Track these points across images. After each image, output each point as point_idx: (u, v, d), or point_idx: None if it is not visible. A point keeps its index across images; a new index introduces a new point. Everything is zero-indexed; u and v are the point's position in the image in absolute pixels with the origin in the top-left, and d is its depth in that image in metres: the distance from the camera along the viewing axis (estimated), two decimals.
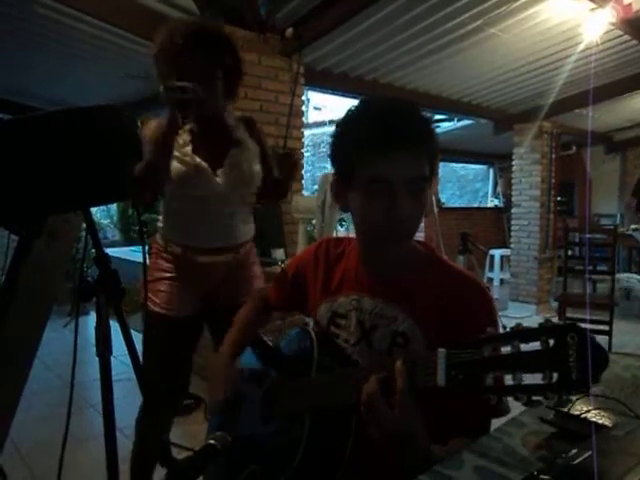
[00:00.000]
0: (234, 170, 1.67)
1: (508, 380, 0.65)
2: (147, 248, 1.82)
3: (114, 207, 7.83)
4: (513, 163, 6.50)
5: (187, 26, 1.59)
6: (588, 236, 4.85)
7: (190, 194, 1.64)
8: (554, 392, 0.61)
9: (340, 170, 1.00)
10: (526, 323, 0.68)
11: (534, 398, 0.63)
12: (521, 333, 0.65)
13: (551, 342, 0.62)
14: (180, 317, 1.70)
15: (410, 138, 0.91)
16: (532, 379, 0.63)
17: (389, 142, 0.90)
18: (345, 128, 0.98)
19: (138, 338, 1.32)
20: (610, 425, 0.83)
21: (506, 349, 0.66)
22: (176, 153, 1.60)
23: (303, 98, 3.76)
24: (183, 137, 1.65)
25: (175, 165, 1.60)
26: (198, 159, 1.63)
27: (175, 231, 1.72)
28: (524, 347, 0.65)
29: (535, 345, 0.63)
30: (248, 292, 1.77)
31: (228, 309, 1.67)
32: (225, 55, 1.66)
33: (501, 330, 0.71)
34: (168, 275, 1.72)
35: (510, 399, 0.67)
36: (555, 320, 0.65)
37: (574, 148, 7.45)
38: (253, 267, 1.86)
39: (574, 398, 0.87)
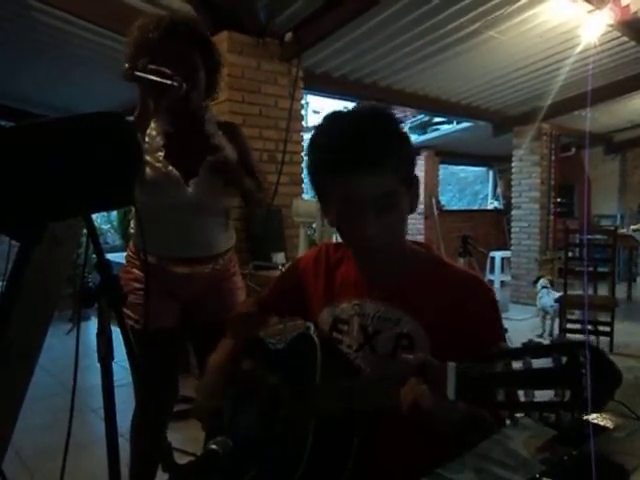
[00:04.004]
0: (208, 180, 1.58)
1: (519, 396, 0.64)
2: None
3: (114, 212, 7.83)
4: (513, 165, 6.51)
5: (159, 20, 1.50)
6: (588, 237, 4.84)
7: (160, 202, 1.55)
8: (567, 410, 0.60)
9: (315, 191, 1.02)
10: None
11: (545, 415, 0.62)
12: (532, 349, 0.64)
13: (563, 359, 0.61)
14: (158, 330, 1.58)
15: (369, 157, 0.90)
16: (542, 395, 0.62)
17: (347, 164, 0.90)
18: (310, 149, 0.99)
19: None
20: (612, 427, 0.83)
21: (517, 365, 0.65)
22: (148, 158, 1.51)
23: (302, 102, 3.77)
24: (156, 140, 1.56)
25: (146, 171, 1.50)
26: (170, 167, 1.54)
27: (148, 240, 1.63)
28: (535, 363, 0.63)
29: (547, 361, 0.62)
30: (232, 306, 1.71)
31: (212, 326, 1.63)
32: (202, 46, 1.57)
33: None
34: (143, 286, 1.60)
35: None
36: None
37: (573, 149, 7.45)
38: (234, 278, 1.78)
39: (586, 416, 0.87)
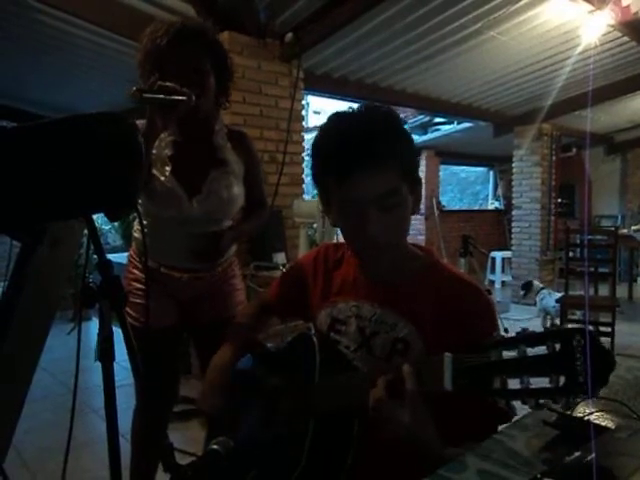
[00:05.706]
0: (211, 197, 1.58)
1: (515, 384, 0.65)
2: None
3: None
4: (513, 165, 6.51)
5: (169, 26, 1.49)
6: (589, 237, 4.84)
7: (164, 215, 1.58)
8: (562, 395, 0.61)
9: (318, 191, 1.03)
10: (528, 325, 0.68)
11: (541, 401, 0.63)
12: (527, 337, 0.66)
13: (557, 346, 0.62)
14: (157, 329, 1.62)
15: (372, 157, 0.90)
16: (539, 383, 0.63)
17: (350, 164, 0.90)
18: (314, 150, 0.99)
19: None
20: (613, 427, 0.83)
21: (512, 353, 0.66)
22: (154, 172, 1.52)
23: (303, 102, 3.78)
24: (164, 151, 1.56)
25: (152, 184, 1.52)
26: (176, 183, 1.54)
27: (149, 245, 1.64)
28: (530, 351, 0.65)
29: (541, 349, 0.64)
30: (232, 306, 1.74)
31: (212, 325, 1.65)
32: (213, 51, 1.55)
33: (501, 332, 0.71)
34: (143, 287, 1.65)
35: (517, 403, 0.67)
36: (557, 322, 0.66)
37: (574, 150, 7.45)
38: (233, 280, 1.79)
39: (580, 401, 0.88)
